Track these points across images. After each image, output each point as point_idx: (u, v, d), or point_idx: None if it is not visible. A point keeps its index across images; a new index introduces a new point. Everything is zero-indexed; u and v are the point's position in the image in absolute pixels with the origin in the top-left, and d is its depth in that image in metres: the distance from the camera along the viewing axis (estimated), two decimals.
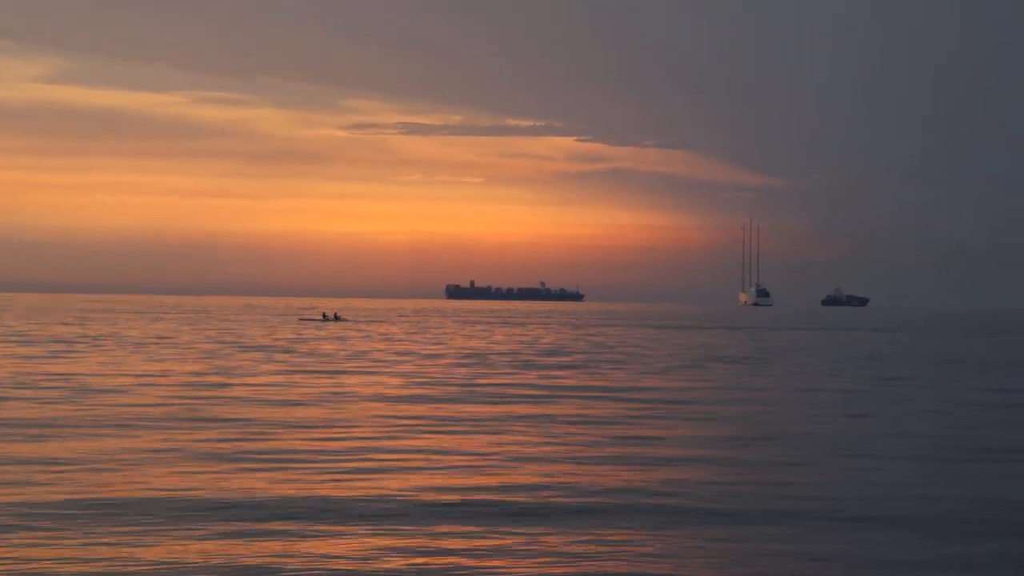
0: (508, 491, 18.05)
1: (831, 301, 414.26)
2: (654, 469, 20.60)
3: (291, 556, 13.56)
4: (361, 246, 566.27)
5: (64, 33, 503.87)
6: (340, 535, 14.72)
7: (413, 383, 39.88)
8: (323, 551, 13.84)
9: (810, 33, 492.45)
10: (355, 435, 24.83)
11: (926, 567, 13.78)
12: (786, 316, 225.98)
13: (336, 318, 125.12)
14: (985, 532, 15.68)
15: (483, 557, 13.73)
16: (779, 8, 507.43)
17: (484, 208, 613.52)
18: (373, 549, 14.01)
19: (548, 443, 24.11)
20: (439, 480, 18.99)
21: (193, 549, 13.78)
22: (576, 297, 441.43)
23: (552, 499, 17.45)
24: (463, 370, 47.28)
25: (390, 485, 18.41)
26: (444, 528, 15.25)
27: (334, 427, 26.20)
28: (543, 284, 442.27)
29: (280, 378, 40.96)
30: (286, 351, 60.17)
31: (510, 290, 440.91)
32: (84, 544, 13.94)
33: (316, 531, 14.91)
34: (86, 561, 13.18)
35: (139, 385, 36.75)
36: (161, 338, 74.09)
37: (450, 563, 13.43)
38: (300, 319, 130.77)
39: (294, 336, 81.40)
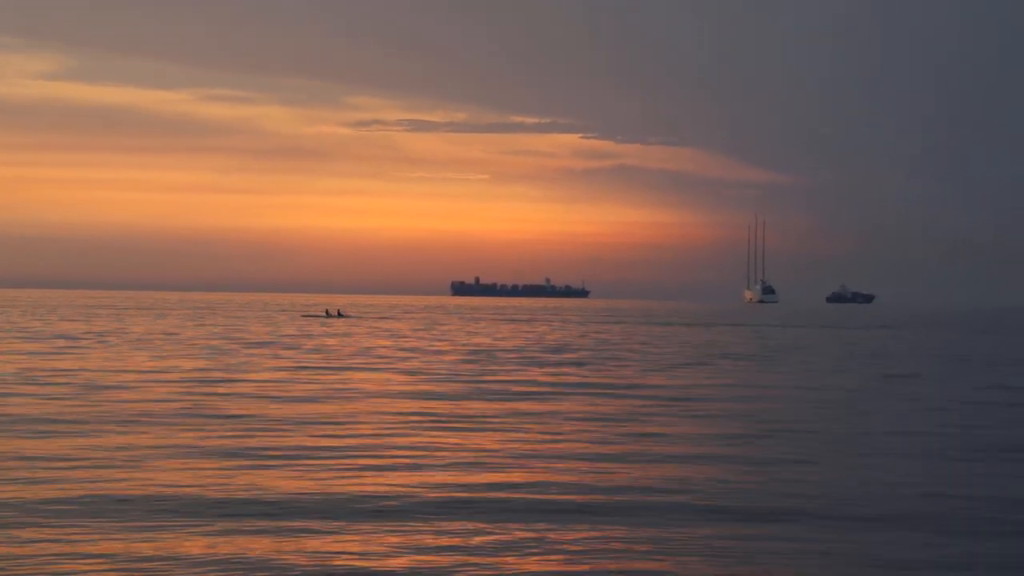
0: (514, 488, 18.04)
1: (836, 298, 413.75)
2: (660, 466, 20.58)
3: (296, 553, 13.56)
4: (365, 243, 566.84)
5: (67, 30, 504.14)
6: (345, 531, 14.71)
7: (419, 380, 39.87)
8: (328, 548, 13.84)
9: (810, 32, 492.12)
10: (360, 432, 24.83)
11: (931, 566, 13.75)
12: (791, 313, 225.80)
13: (339, 315, 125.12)
14: (991, 530, 15.65)
15: (489, 554, 13.72)
16: (779, 7, 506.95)
17: (489, 205, 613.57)
18: (379, 545, 14.00)
19: (554, 440, 24.09)
20: (444, 477, 18.98)
21: (199, 544, 13.79)
22: (581, 294, 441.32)
23: (558, 496, 17.44)
24: (469, 366, 47.28)
25: (396, 481, 18.41)
26: (449, 525, 15.24)
27: (339, 423, 26.20)
28: (548, 281, 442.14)
29: (285, 374, 40.97)
30: (291, 347, 60.20)
31: (515, 287, 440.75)
32: (90, 540, 13.95)
33: (321, 528, 14.91)
34: (92, 557, 13.18)
35: (144, 381, 36.78)
36: (165, 334, 74.14)
37: (456, 560, 13.42)
38: (303, 315, 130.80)
39: (298, 332, 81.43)
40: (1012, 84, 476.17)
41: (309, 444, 22.69)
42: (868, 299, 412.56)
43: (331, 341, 68.59)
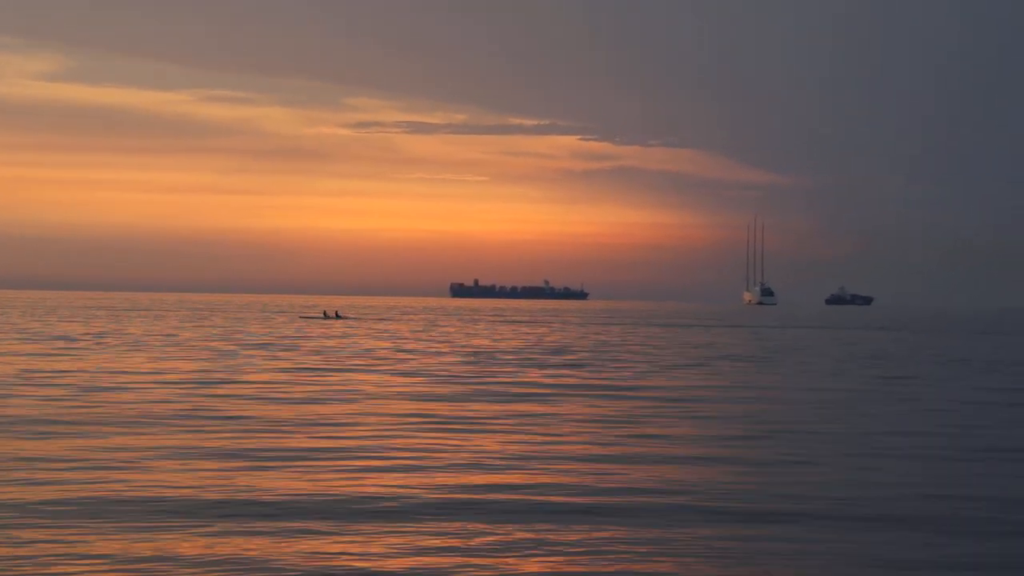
0: (514, 489, 18.02)
1: (835, 300, 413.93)
2: (660, 467, 20.56)
3: (295, 554, 13.54)
4: (364, 244, 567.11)
5: (67, 30, 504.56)
6: (344, 532, 14.69)
7: (418, 381, 39.84)
8: (327, 549, 13.82)
9: (810, 32, 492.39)
10: (359, 433, 24.80)
11: (931, 566, 13.74)
12: (790, 315, 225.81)
13: (337, 316, 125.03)
14: (991, 531, 15.64)
15: (488, 555, 13.70)
16: (779, 7, 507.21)
17: (488, 206, 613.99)
18: (378, 546, 13.98)
19: (554, 441, 24.07)
20: (444, 478, 18.96)
21: (199, 545, 13.76)
22: (580, 296, 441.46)
23: (558, 497, 17.42)
24: (468, 368, 47.25)
25: (395, 482, 18.39)
26: (449, 526, 15.22)
27: (338, 425, 26.17)
28: (547, 283, 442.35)
29: (284, 376, 40.94)
30: (290, 348, 60.17)
31: (514, 288, 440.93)
32: (89, 541, 13.93)
33: (320, 529, 14.89)
34: (91, 557, 13.16)
35: (143, 383, 36.75)
36: (164, 335, 74.11)
37: (455, 561, 13.40)
38: (301, 317, 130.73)
39: (297, 334, 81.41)
40: (1012, 84, 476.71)
41: (308, 446, 22.66)
42: (867, 301, 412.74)
43: (330, 343, 68.56)
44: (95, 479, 18.21)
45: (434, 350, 62.20)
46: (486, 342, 73.76)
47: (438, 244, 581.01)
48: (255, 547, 13.81)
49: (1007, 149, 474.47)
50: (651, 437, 25.02)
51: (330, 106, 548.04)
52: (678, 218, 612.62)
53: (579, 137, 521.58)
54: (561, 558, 13.66)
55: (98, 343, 62.53)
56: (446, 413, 29.23)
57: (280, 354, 55.07)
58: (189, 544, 13.88)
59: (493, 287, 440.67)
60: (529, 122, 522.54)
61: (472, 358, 54.54)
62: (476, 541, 14.39)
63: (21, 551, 13.41)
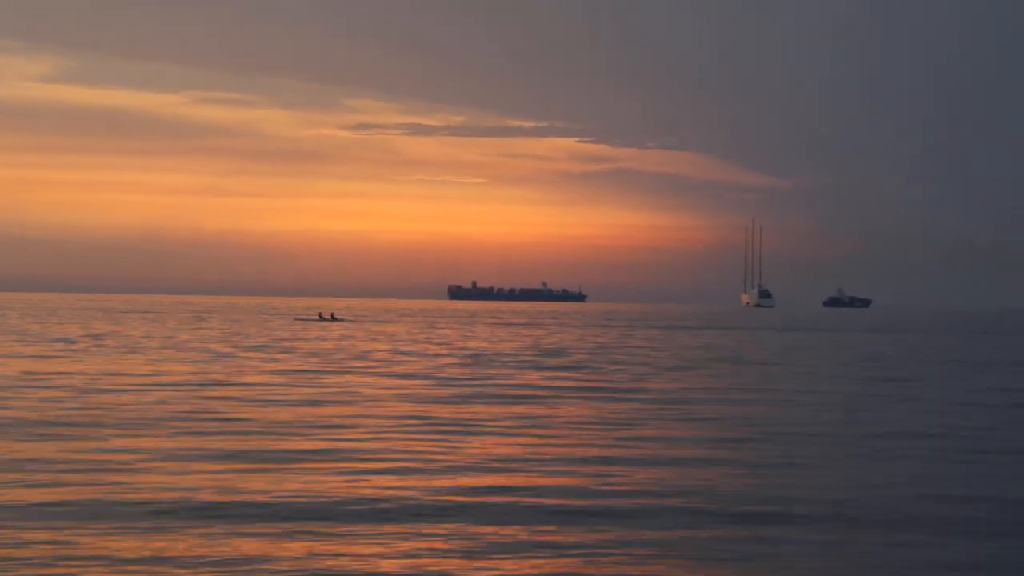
0: (512, 492, 17.98)
1: (833, 302, 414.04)
2: (658, 469, 20.53)
3: (293, 557, 13.51)
4: (363, 245, 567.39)
5: (67, 32, 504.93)
6: (342, 535, 14.66)
7: (416, 383, 39.81)
8: (324, 551, 13.78)
9: (810, 32, 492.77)
10: (357, 435, 24.76)
11: (931, 566, 13.70)
12: (789, 317, 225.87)
13: (333, 318, 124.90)
14: (991, 531, 15.61)
15: (486, 557, 13.67)
16: (779, 7, 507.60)
17: (486, 208, 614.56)
18: (377, 549, 13.95)
19: (551, 444, 24.04)
20: (441, 481, 18.92)
21: (195, 547, 13.73)
22: (578, 298, 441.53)
23: (556, 500, 17.39)
24: (465, 370, 47.22)
25: (392, 484, 18.35)
26: (447, 528, 15.19)
27: (336, 427, 26.13)
28: (545, 285, 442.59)
29: (282, 378, 40.90)
30: (288, 351, 60.13)
31: (512, 291, 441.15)
32: (86, 544, 13.89)
33: (317, 531, 14.86)
34: (89, 559, 13.13)
35: (141, 385, 36.71)
36: (163, 337, 74.06)
37: (454, 563, 13.36)
38: (296, 319, 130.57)
39: (295, 336, 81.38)
40: (1012, 84, 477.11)
41: (305, 447, 22.62)
42: (865, 303, 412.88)
43: (327, 345, 68.53)
44: (92, 481, 18.16)
45: (432, 352, 62.16)
46: (484, 344, 73.73)
47: (436, 246, 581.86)
48: (253, 549, 13.77)
49: (1007, 149, 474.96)
50: (649, 439, 24.98)
51: (330, 108, 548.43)
52: (676, 220, 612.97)
53: (577, 139, 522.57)
54: (559, 560, 13.62)
55: (97, 345, 62.48)
56: (444, 415, 29.19)
57: (278, 356, 55.03)
58: (186, 546, 13.85)
59: (491, 289, 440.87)
60: (528, 124, 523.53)
61: (470, 360, 54.51)
62: (473, 544, 14.35)
63: (20, 552, 13.37)
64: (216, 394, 33.87)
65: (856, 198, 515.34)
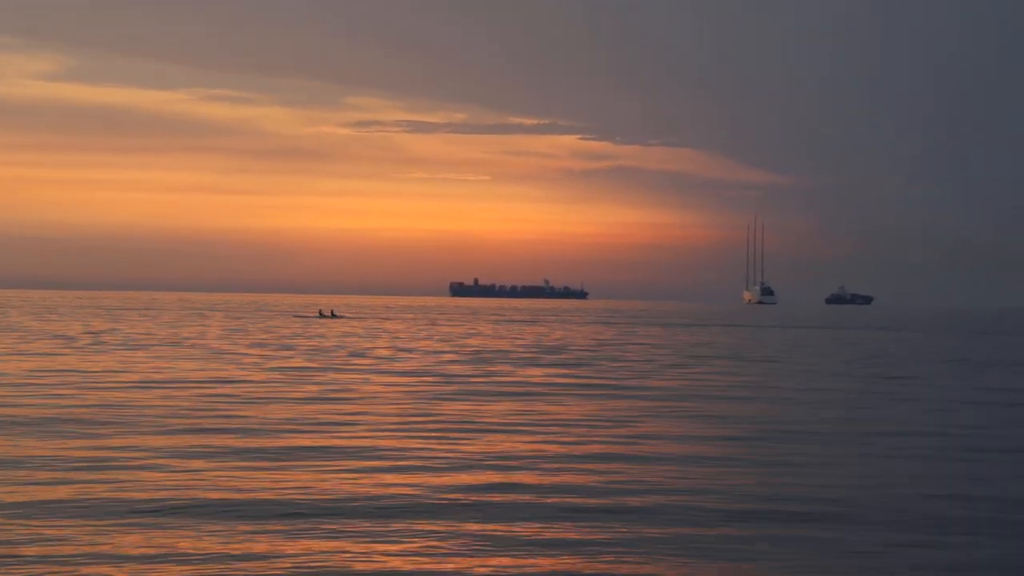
0: (512, 490, 18.02)
1: (835, 300, 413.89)
2: (659, 467, 20.55)
3: (294, 554, 13.55)
4: (364, 243, 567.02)
5: (68, 30, 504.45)
6: (343, 533, 14.69)
7: (417, 381, 39.85)
8: (324, 548, 13.83)
9: (810, 32, 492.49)
10: (357, 433, 24.80)
11: (931, 566, 13.74)
12: (790, 314, 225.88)
13: (332, 315, 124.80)
14: (990, 531, 15.64)
15: (487, 555, 13.71)
16: (779, 7, 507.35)
17: (488, 206, 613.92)
18: (378, 547, 13.99)
19: (552, 441, 24.07)
20: (443, 479, 18.96)
21: (197, 545, 13.77)
22: (580, 295, 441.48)
23: (557, 498, 17.42)
24: (467, 367, 47.25)
25: (393, 482, 18.39)
26: (447, 527, 15.22)
27: (336, 424, 26.17)
28: (547, 282, 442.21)
29: (282, 375, 40.93)
30: (289, 348, 60.17)
31: (514, 288, 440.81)
32: (87, 541, 13.94)
33: (318, 529, 14.90)
34: (89, 557, 13.17)
35: (141, 383, 36.75)
36: (163, 335, 74.11)
37: (456, 563, 13.40)
38: (295, 316, 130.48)
39: (295, 333, 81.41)
40: (1012, 84, 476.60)
41: (308, 444, 22.66)
42: (867, 300, 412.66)
43: (329, 342, 68.57)
44: (91, 479, 18.21)
45: (434, 349, 62.20)
46: (486, 341, 73.77)
47: (438, 243, 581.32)
48: (254, 546, 13.81)
49: (1007, 149, 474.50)
50: (650, 437, 25.02)
51: (330, 106, 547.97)
52: (678, 218, 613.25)
53: (579, 137, 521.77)
54: (561, 559, 13.66)
55: (97, 343, 62.52)
56: (446, 412, 29.23)
57: (279, 353, 55.07)
58: (190, 543, 13.89)
59: (493, 286, 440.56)
60: (529, 122, 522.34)
61: (472, 357, 54.55)
62: (476, 541, 14.39)
63: (23, 550, 13.42)
64: (218, 391, 33.91)
65: (856, 198, 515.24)
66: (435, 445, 22.98)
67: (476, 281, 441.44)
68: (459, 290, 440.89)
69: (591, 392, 36.32)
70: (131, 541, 13.96)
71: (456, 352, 59.74)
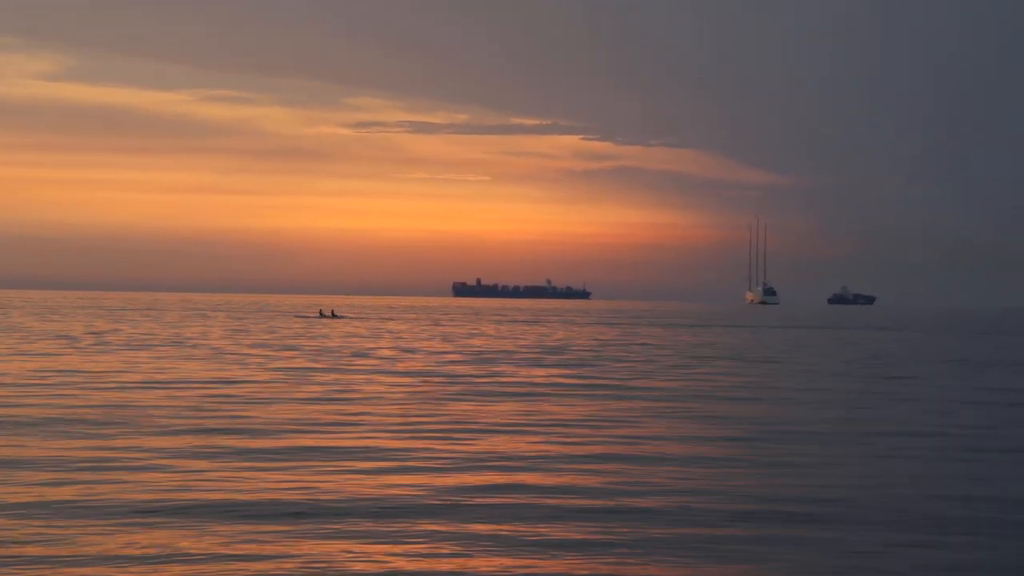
0: (514, 491, 18.07)
1: (837, 300, 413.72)
2: (661, 467, 20.60)
3: (295, 555, 13.61)
4: (366, 244, 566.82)
5: (68, 30, 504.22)
6: (345, 533, 14.75)
7: (420, 381, 39.89)
8: (324, 549, 13.88)
9: (810, 32, 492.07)
10: (360, 433, 24.85)
11: (932, 566, 13.78)
12: (792, 315, 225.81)
13: (333, 315, 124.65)
14: (990, 531, 15.68)
15: (488, 556, 13.76)
16: (779, 7, 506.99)
17: (490, 206, 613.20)
18: (378, 547, 14.05)
19: (554, 441, 24.12)
20: (445, 479, 19.01)
21: (196, 545, 13.83)
22: (583, 295, 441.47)
23: (559, 500, 17.47)
24: (470, 367, 47.30)
25: (394, 482, 18.44)
26: (450, 527, 15.28)
27: (338, 425, 26.22)
28: (549, 282, 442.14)
29: (284, 375, 40.98)
30: (291, 348, 60.21)
31: (516, 288, 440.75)
32: (88, 542, 14.00)
33: (319, 530, 14.95)
34: (89, 558, 13.24)
35: (141, 383, 36.80)
36: (164, 335, 74.16)
37: (458, 563, 13.46)
38: (296, 316, 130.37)
39: (297, 334, 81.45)
40: (1012, 84, 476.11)
41: (309, 445, 22.72)
42: (869, 300, 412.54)
43: (331, 343, 68.62)
44: (94, 480, 18.26)
45: (436, 349, 62.24)
46: (488, 341, 73.81)
47: (440, 244, 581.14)
48: (257, 547, 13.87)
49: (1007, 149, 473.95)
50: (652, 437, 25.06)
51: (330, 106, 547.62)
52: (680, 218, 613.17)
53: (580, 137, 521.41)
54: (563, 559, 13.72)
55: (98, 343, 62.58)
56: (449, 413, 29.28)
57: (281, 354, 55.12)
58: (190, 544, 13.95)
59: (495, 287, 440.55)
60: (530, 122, 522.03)
61: (474, 357, 54.59)
62: (478, 542, 14.44)
63: (26, 550, 13.49)
64: (221, 392, 33.96)
65: (856, 198, 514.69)
66: (438, 445, 23.04)
67: (479, 281, 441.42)
68: (462, 290, 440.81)
69: (593, 392, 36.36)
70: (134, 541, 14.03)
71: (459, 352, 59.78)
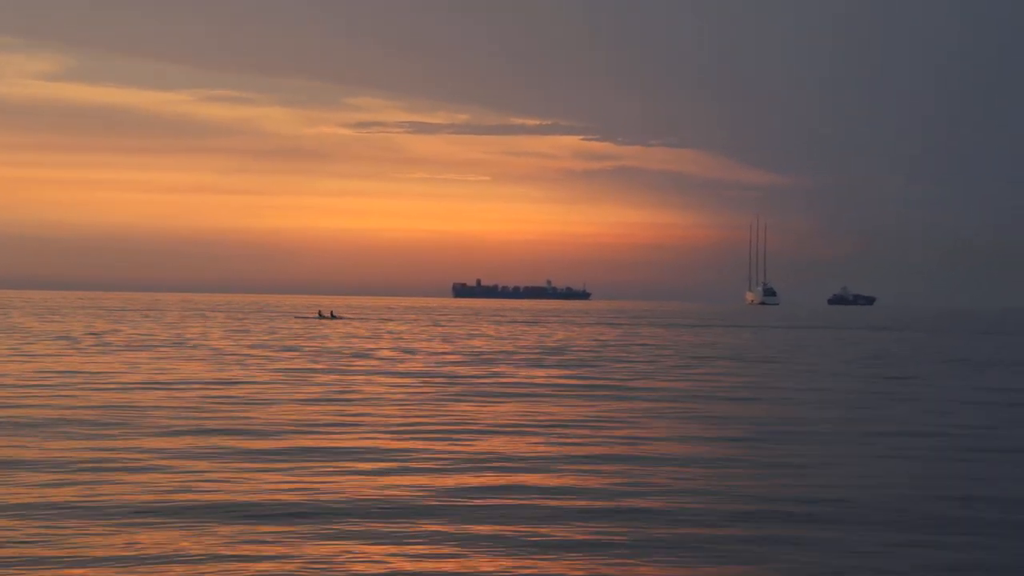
0: (515, 491, 18.08)
1: (837, 300, 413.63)
2: (661, 468, 20.61)
3: (297, 556, 13.62)
4: (365, 244, 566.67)
5: (68, 30, 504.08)
6: (343, 534, 14.76)
7: (420, 382, 39.90)
8: (325, 550, 13.90)
9: (810, 32, 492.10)
10: (360, 434, 24.85)
11: (932, 566, 13.79)
12: (793, 315, 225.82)
13: (332, 316, 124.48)
14: (990, 531, 15.69)
15: (488, 556, 13.77)
16: (779, 7, 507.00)
17: (490, 206, 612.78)
18: (380, 548, 14.06)
19: (555, 442, 24.13)
20: (446, 480, 19.03)
21: (197, 546, 13.84)
22: (583, 296, 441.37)
23: (559, 500, 17.49)
24: (470, 368, 47.31)
25: (395, 483, 18.45)
26: (450, 527, 15.29)
27: (339, 426, 26.24)
28: (549, 283, 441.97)
29: (284, 376, 40.99)
30: (291, 349, 60.22)
31: (516, 288, 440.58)
32: (88, 544, 14.01)
33: (319, 531, 14.96)
34: (89, 559, 13.25)
35: (142, 383, 36.81)
36: (164, 336, 74.15)
37: (459, 564, 13.47)
38: (296, 317, 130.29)
39: (297, 334, 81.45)
40: (1012, 84, 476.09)
41: (310, 445, 22.73)
42: (870, 301, 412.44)
43: (332, 343, 68.63)
44: (95, 480, 18.27)
45: (436, 350, 62.24)
46: (488, 342, 73.82)
47: (440, 244, 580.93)
48: (258, 547, 13.88)
49: (1007, 149, 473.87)
50: (653, 438, 25.08)
51: (330, 106, 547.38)
52: (680, 218, 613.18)
53: (580, 137, 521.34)
54: (564, 560, 13.73)
55: (98, 344, 62.58)
56: (449, 413, 29.29)
57: (281, 354, 55.13)
58: (191, 544, 13.96)
59: (495, 287, 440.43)
60: (531, 122, 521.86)
61: (474, 358, 54.60)
62: (478, 542, 14.46)
63: (28, 551, 13.50)
64: (222, 392, 33.97)
65: (856, 198, 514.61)
66: (438, 446, 23.05)
67: (479, 282, 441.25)
68: (462, 291, 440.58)
69: (594, 393, 36.37)
70: (135, 542, 14.04)
71: (459, 353, 59.79)
